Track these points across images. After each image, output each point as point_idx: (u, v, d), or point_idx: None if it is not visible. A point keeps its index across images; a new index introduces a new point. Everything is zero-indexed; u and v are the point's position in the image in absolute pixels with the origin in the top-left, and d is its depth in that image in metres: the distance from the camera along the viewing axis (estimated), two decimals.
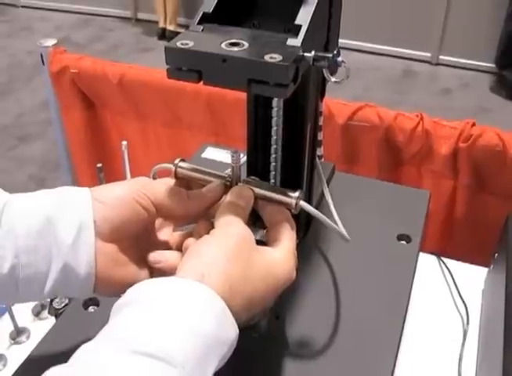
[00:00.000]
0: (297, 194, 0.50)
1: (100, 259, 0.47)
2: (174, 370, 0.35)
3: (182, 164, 0.54)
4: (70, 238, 0.46)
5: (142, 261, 0.51)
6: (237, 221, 0.47)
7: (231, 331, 0.41)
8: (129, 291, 0.41)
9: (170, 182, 0.53)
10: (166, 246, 0.53)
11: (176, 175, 0.54)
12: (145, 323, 0.37)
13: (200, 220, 0.52)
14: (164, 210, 0.51)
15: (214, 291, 0.40)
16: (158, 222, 0.54)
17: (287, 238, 0.49)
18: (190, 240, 0.49)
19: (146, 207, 0.49)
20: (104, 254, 0.48)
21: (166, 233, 0.55)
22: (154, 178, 0.56)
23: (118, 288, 0.48)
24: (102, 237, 0.48)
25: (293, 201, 0.49)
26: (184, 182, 0.54)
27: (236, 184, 0.52)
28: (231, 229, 0.46)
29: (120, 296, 0.42)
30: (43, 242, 0.46)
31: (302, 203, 0.50)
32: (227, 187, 0.52)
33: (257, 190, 0.51)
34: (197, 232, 0.50)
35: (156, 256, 0.50)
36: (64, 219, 0.46)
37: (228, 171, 0.53)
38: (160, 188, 0.51)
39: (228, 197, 0.50)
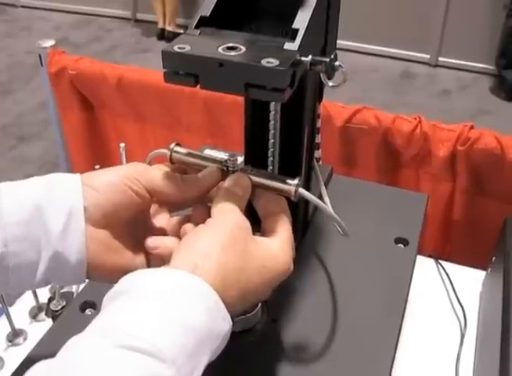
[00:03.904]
0: (296, 182, 0.48)
1: (92, 246, 0.46)
2: (162, 365, 0.34)
3: (177, 148, 0.53)
4: (59, 226, 0.45)
5: (137, 247, 0.50)
6: (233, 209, 0.46)
7: (224, 324, 0.40)
8: (120, 282, 0.41)
9: (164, 167, 0.52)
10: (162, 232, 0.52)
11: (171, 160, 0.53)
12: (133, 317, 0.37)
13: (195, 205, 0.51)
14: (159, 195, 0.50)
15: (206, 283, 0.39)
16: (154, 207, 0.53)
17: (284, 228, 0.48)
18: (188, 227, 0.49)
19: (139, 192, 0.48)
20: (96, 240, 0.47)
21: (162, 219, 0.54)
22: (149, 164, 0.55)
23: (113, 274, 0.47)
24: (93, 223, 0.47)
25: (293, 188, 0.48)
26: (180, 168, 0.53)
27: (234, 173, 0.51)
28: (226, 217, 0.45)
29: (115, 282, 0.42)
30: (32, 230, 0.45)
31: (301, 190, 0.48)
32: (224, 172, 0.51)
33: (255, 178, 0.50)
34: (194, 217, 0.50)
35: (155, 241, 0.50)
36: (53, 207, 0.46)
37: (225, 156, 0.52)
38: (154, 173, 0.50)
39: (224, 185, 0.49)
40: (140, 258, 0.50)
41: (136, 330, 0.36)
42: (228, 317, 0.41)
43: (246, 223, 0.46)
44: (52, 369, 0.34)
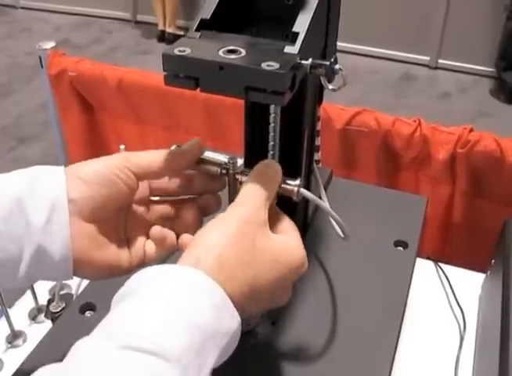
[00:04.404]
0: (297, 182, 0.49)
1: (80, 241, 0.45)
2: (167, 364, 0.34)
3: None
4: (41, 220, 0.44)
5: (120, 241, 0.50)
6: (251, 202, 0.45)
7: (232, 321, 0.39)
8: (126, 283, 0.40)
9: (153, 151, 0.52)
10: (144, 225, 0.52)
11: None
12: (137, 316, 0.36)
13: (172, 178, 0.51)
14: (147, 174, 0.49)
15: (211, 278, 0.39)
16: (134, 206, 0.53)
17: (294, 228, 0.47)
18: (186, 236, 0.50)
19: (127, 181, 0.48)
20: (83, 235, 0.46)
21: (142, 211, 0.53)
22: None
23: (100, 270, 0.47)
24: (83, 217, 0.46)
25: (295, 189, 0.48)
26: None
27: (234, 177, 0.51)
28: (235, 211, 0.44)
29: (103, 279, 0.41)
30: (14, 225, 0.44)
31: (303, 190, 0.49)
32: (223, 175, 0.51)
33: None
34: (171, 188, 0.51)
35: (162, 231, 0.50)
36: (35, 200, 0.44)
37: (225, 158, 0.52)
38: (141, 153, 0.50)
39: (255, 168, 0.48)
40: (124, 253, 0.50)
41: (139, 329, 0.35)
42: (237, 314, 0.40)
43: (257, 217, 0.44)
44: (56, 373, 0.34)
